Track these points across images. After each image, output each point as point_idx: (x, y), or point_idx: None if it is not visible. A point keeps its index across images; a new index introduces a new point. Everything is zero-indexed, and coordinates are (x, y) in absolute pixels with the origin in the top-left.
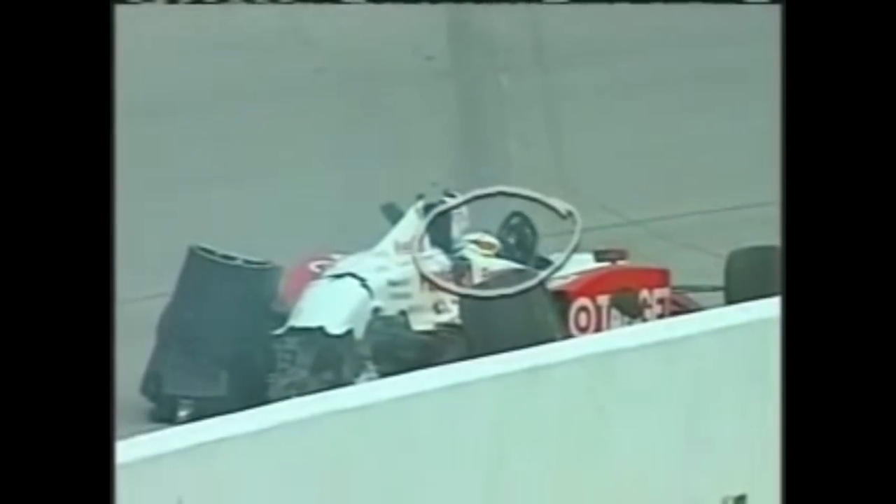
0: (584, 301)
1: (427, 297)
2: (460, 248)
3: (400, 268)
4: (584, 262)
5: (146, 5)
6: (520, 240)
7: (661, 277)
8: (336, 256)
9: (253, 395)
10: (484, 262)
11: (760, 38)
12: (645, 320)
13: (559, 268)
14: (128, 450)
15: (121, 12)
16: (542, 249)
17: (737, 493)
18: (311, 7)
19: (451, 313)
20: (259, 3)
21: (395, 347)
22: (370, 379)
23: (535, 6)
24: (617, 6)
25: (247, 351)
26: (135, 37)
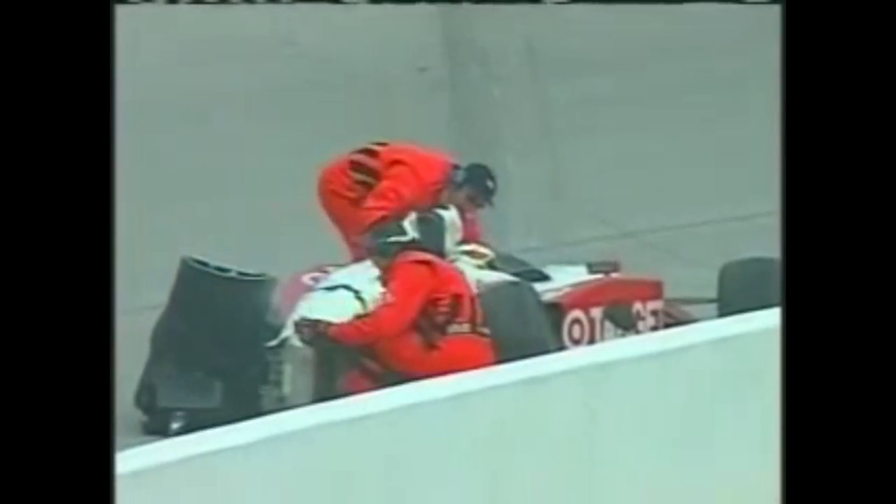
0: (577, 313)
1: None
2: (453, 259)
3: None
4: (578, 274)
5: (146, 5)
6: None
7: (654, 289)
8: (330, 268)
9: (247, 407)
10: (477, 273)
11: (758, 46)
12: (638, 332)
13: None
14: (122, 462)
15: (121, 12)
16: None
17: None
18: (307, 17)
19: None
20: (258, 3)
21: None
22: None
23: (529, 17)
24: (612, 15)
25: (241, 363)
26: (134, 37)
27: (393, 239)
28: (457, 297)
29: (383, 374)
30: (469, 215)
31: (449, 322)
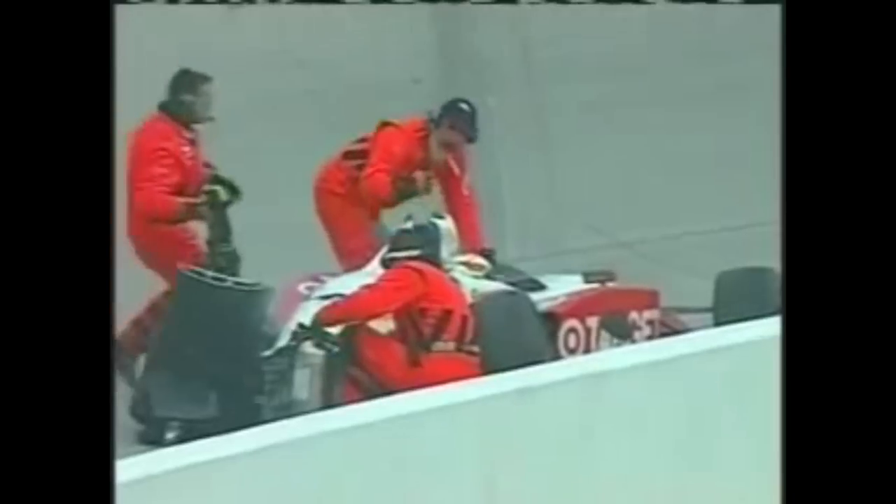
0: (573, 322)
1: None
2: (449, 270)
3: None
4: (574, 284)
5: (146, 5)
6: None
7: (650, 298)
8: (325, 277)
9: (242, 417)
10: (474, 284)
11: (760, 51)
12: (634, 342)
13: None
14: (117, 471)
15: (121, 12)
16: (532, 271)
17: None
18: (304, 27)
19: None
20: (257, 3)
21: None
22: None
23: (525, 22)
24: (611, 19)
25: (236, 372)
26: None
27: (403, 254)
28: (447, 312)
29: (370, 385)
30: (465, 192)
31: (435, 337)
